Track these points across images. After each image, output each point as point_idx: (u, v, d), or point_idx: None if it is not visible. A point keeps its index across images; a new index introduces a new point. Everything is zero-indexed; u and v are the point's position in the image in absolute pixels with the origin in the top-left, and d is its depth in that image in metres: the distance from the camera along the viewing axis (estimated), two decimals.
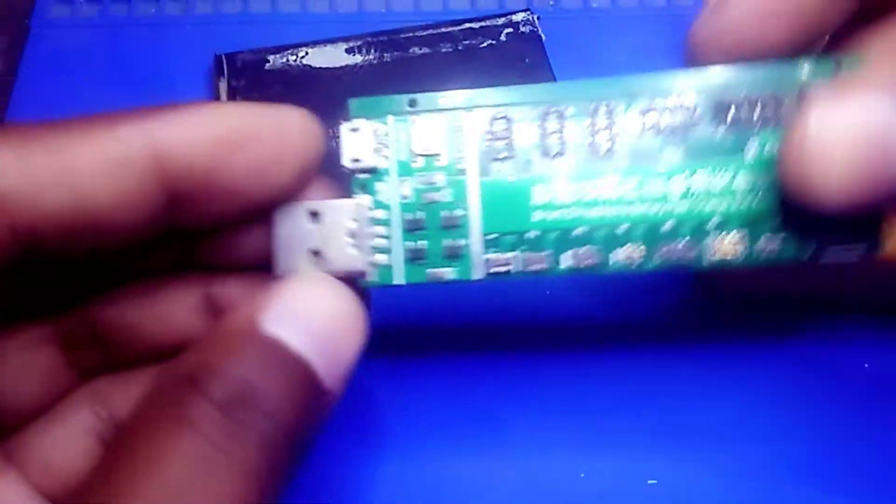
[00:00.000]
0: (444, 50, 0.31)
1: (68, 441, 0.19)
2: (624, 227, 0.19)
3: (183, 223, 0.17)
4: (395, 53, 0.31)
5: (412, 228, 0.19)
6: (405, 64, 0.31)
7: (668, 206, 0.19)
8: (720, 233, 0.19)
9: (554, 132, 0.19)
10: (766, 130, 0.18)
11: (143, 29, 0.33)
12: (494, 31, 0.31)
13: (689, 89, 0.19)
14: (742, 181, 0.19)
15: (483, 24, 0.32)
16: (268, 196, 0.18)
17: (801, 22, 0.19)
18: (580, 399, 0.26)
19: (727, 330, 0.27)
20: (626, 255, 0.19)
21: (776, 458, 0.25)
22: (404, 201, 0.19)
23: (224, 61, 0.31)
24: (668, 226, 0.19)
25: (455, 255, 0.19)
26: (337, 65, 0.31)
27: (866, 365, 0.26)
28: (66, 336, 0.19)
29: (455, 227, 0.19)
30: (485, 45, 0.31)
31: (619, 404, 0.26)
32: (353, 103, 0.19)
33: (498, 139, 0.19)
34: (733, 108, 0.19)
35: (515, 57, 0.31)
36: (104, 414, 0.19)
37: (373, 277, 0.19)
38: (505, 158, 0.19)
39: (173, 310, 0.19)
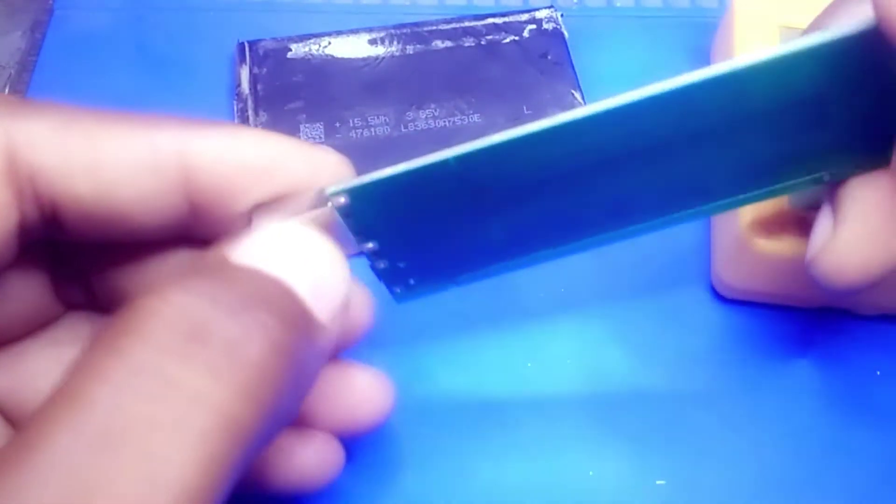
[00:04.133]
0: (466, 44, 0.31)
1: (42, 367, 0.18)
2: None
3: (199, 232, 0.17)
4: (418, 46, 0.31)
5: None
6: (427, 57, 0.31)
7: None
8: None
9: None
10: None
11: (165, 13, 0.33)
12: (518, 27, 0.31)
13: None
14: None
15: (506, 19, 0.32)
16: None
17: None
18: (590, 398, 0.26)
19: (739, 333, 0.27)
20: None
21: (787, 459, 0.25)
22: None
23: (247, 48, 0.31)
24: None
25: None
26: (359, 55, 0.31)
27: (878, 372, 0.26)
28: (58, 278, 0.19)
29: None
30: (507, 40, 0.31)
31: (629, 403, 0.26)
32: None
33: None
34: None
35: (538, 53, 0.31)
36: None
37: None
38: None
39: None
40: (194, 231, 0.17)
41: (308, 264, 0.15)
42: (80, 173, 0.15)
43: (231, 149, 0.17)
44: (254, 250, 0.15)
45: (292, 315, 0.14)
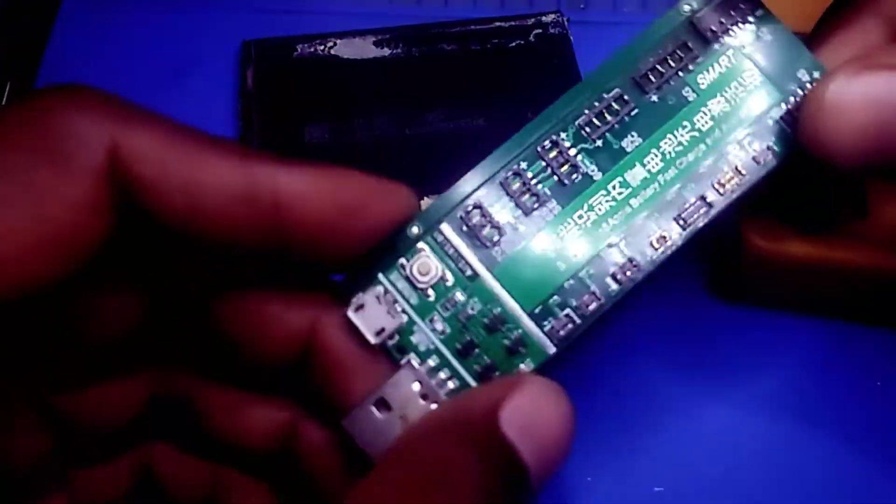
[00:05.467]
0: (472, 47, 0.31)
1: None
2: (639, 220, 0.19)
3: (285, 262, 0.18)
4: (424, 48, 0.31)
5: (465, 353, 0.19)
6: (433, 59, 0.31)
7: (662, 180, 0.19)
8: (716, 175, 0.19)
9: (522, 192, 0.19)
10: (690, 73, 0.20)
11: (172, 12, 0.33)
12: (524, 31, 0.31)
13: (601, 85, 0.19)
14: (701, 122, 0.19)
15: (512, 23, 0.32)
16: (359, 252, 0.18)
17: None
18: (588, 404, 0.26)
19: (737, 338, 0.27)
20: (657, 241, 0.19)
21: (785, 465, 0.25)
22: (443, 336, 0.19)
23: (252, 48, 0.31)
24: (671, 196, 0.19)
25: (519, 348, 0.19)
26: (365, 56, 0.31)
27: (879, 383, 0.26)
28: (153, 397, 0.19)
29: (502, 324, 0.19)
30: (513, 44, 0.31)
31: (627, 410, 0.26)
32: (343, 286, 0.19)
33: (481, 227, 0.19)
34: (649, 74, 0.20)
35: (543, 57, 0.31)
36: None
37: None
38: (498, 240, 0.19)
39: (256, 424, 0.19)
40: (280, 269, 0.18)
41: (550, 448, 0.17)
42: (177, 192, 0.16)
43: (322, 185, 0.17)
44: (519, 421, 0.16)
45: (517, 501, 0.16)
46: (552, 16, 0.32)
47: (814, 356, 0.27)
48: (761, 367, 0.27)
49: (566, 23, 0.32)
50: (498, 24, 0.32)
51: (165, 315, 0.19)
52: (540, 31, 0.31)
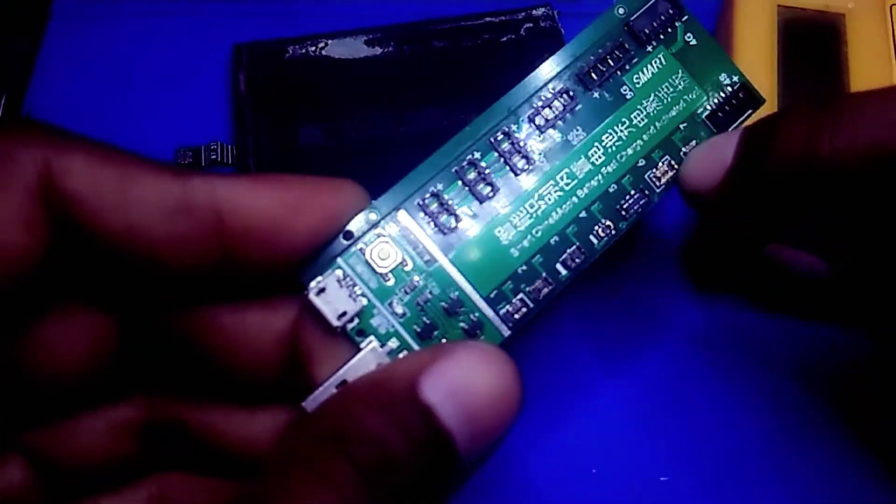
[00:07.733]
0: (464, 43, 0.31)
1: (93, 441, 0.19)
2: (584, 212, 0.20)
3: (234, 276, 0.18)
4: (415, 46, 0.31)
5: (425, 335, 0.19)
6: (425, 57, 0.31)
7: (604, 172, 0.20)
8: (652, 168, 0.21)
9: (477, 180, 0.20)
10: (627, 73, 0.21)
11: (162, 18, 0.33)
12: (514, 26, 0.31)
13: (549, 80, 0.21)
14: (637, 119, 0.21)
15: (503, 17, 0.31)
16: (304, 252, 0.18)
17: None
18: (593, 396, 0.26)
19: (740, 329, 0.27)
20: (602, 230, 0.20)
21: (788, 456, 0.25)
22: (403, 319, 0.19)
23: (243, 51, 0.31)
24: (613, 188, 0.20)
25: (476, 330, 0.19)
26: (356, 56, 0.31)
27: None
28: (147, 425, 0.19)
29: (460, 307, 0.19)
30: (504, 39, 0.31)
31: (632, 401, 0.26)
32: (302, 273, 0.19)
33: (439, 214, 0.19)
34: (591, 72, 0.21)
35: (535, 52, 0.31)
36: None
37: None
38: (455, 227, 0.19)
39: (258, 431, 0.19)
40: (226, 280, 0.18)
41: (480, 413, 0.16)
42: (110, 208, 0.16)
43: (260, 191, 0.17)
44: (441, 385, 0.16)
45: (442, 470, 0.16)
46: (542, 9, 0.32)
47: (816, 349, 0.27)
48: (768, 360, 0.27)
49: (556, 16, 0.32)
50: (488, 18, 0.32)
51: (138, 339, 0.18)
52: (531, 24, 0.31)
